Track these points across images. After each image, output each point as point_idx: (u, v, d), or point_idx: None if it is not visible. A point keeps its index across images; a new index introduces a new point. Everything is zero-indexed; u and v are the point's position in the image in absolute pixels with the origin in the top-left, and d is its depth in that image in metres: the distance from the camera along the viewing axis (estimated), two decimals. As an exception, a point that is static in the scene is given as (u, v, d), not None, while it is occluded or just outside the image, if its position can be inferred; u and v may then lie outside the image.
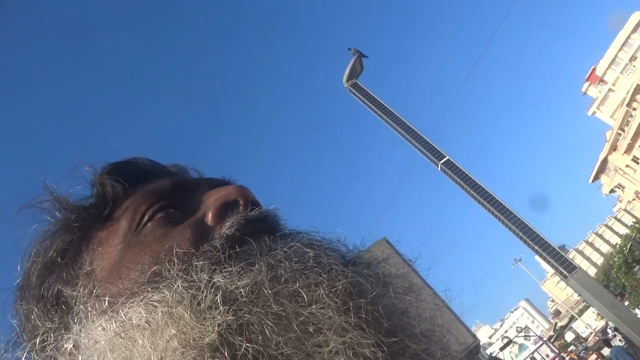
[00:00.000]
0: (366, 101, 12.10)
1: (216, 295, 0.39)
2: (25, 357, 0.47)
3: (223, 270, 0.41)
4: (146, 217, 0.49)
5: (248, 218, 0.48)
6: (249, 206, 0.50)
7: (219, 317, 0.38)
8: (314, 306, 0.39)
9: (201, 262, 0.42)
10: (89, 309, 0.44)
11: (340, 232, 0.49)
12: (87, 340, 0.41)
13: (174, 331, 0.38)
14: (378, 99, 12.06)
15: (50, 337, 0.45)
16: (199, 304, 0.39)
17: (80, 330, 0.43)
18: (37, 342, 0.45)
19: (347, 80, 12.47)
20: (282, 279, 0.40)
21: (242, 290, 0.39)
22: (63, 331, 0.45)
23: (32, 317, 0.48)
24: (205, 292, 0.39)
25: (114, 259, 0.48)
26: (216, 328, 0.37)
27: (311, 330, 0.38)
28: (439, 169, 10.98)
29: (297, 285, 0.39)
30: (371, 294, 0.41)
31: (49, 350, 0.44)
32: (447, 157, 10.91)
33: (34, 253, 0.52)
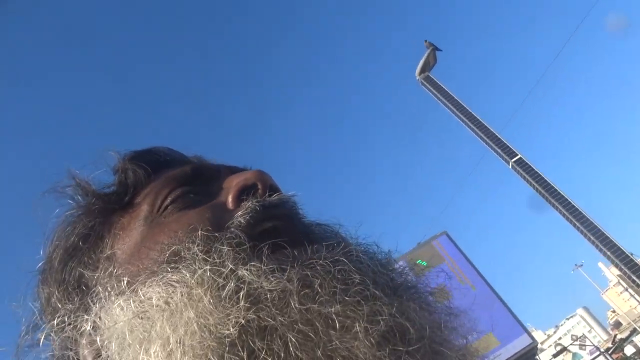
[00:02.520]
0: (438, 94, 12.07)
1: (240, 288, 0.38)
2: (44, 338, 0.48)
3: (249, 264, 0.39)
4: (168, 201, 0.50)
5: (264, 204, 0.47)
6: (267, 191, 0.50)
7: (239, 311, 0.36)
8: (345, 337, 0.36)
9: (225, 248, 0.41)
10: (108, 289, 0.44)
11: (377, 233, 0.47)
12: (106, 321, 0.42)
13: (192, 314, 0.37)
14: (450, 93, 11.97)
15: (70, 317, 0.45)
16: (219, 290, 0.38)
17: (99, 310, 0.43)
18: (56, 322, 0.46)
19: (420, 73, 12.46)
20: (317, 298, 0.37)
21: (268, 294, 0.37)
22: (82, 312, 0.45)
23: (53, 300, 0.49)
24: (227, 280, 0.38)
25: (134, 241, 0.48)
26: (239, 321, 0.36)
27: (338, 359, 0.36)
28: (510, 166, 10.82)
29: (333, 310, 0.36)
30: (413, 342, 0.37)
31: (68, 331, 0.45)
32: (519, 156, 10.72)
33: (56, 237, 0.53)
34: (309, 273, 0.38)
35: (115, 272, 0.46)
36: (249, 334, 0.36)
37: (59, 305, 0.48)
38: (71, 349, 0.46)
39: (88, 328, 0.43)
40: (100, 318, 0.42)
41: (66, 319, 0.45)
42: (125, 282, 0.43)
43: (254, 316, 0.36)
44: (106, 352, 0.41)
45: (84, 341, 0.44)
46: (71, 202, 0.54)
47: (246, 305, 0.37)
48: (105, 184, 0.55)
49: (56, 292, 0.49)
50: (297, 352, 0.35)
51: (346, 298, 0.37)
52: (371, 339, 0.36)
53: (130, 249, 0.48)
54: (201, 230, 0.43)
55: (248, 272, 0.38)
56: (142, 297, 0.40)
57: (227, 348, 0.35)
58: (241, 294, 0.37)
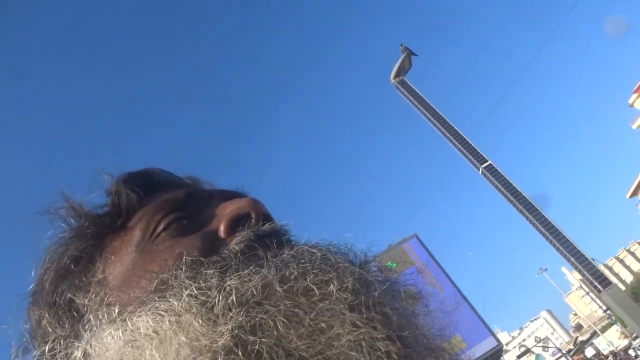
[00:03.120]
0: (412, 99, 12.20)
1: (228, 298, 0.39)
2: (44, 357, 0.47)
3: (233, 276, 0.41)
4: (160, 227, 0.50)
5: (258, 233, 0.48)
6: (260, 220, 0.50)
7: (231, 320, 0.38)
8: (324, 302, 0.39)
9: (211, 270, 0.42)
10: (100, 317, 0.45)
11: (349, 237, 0.50)
12: (96, 349, 0.42)
13: (184, 339, 0.38)
14: (424, 98, 12.13)
15: (61, 344, 0.45)
16: (210, 309, 0.39)
17: (90, 338, 0.43)
18: (47, 349, 0.46)
19: (395, 77, 12.57)
20: (292, 277, 0.41)
21: (253, 290, 0.39)
22: (73, 339, 0.45)
23: (43, 323, 0.49)
24: (216, 297, 0.40)
25: (126, 268, 0.48)
26: (229, 332, 0.37)
27: (324, 325, 0.38)
28: (480, 172, 11.04)
29: (308, 281, 0.40)
30: (379, 289, 0.42)
31: (59, 358, 0.45)
32: (489, 162, 10.95)
33: (47, 259, 0.52)
34: (278, 261, 0.42)
35: (107, 299, 0.46)
36: (243, 334, 0.37)
37: (49, 330, 0.48)
38: None
39: (79, 355, 0.43)
40: (91, 346, 0.42)
41: (57, 345, 0.45)
42: (116, 310, 0.43)
43: (245, 318, 0.38)
44: None
45: None
46: (64, 224, 0.54)
47: (237, 309, 0.38)
48: (98, 206, 0.55)
49: (47, 314, 0.49)
50: (287, 330, 0.37)
51: (314, 270, 0.41)
52: (345, 295, 0.39)
53: (121, 275, 0.48)
54: (187, 257, 0.44)
55: (232, 282, 0.40)
56: (132, 327, 0.41)
57: (222, 356, 0.37)
58: (230, 302, 0.39)
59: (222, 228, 0.50)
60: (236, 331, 0.37)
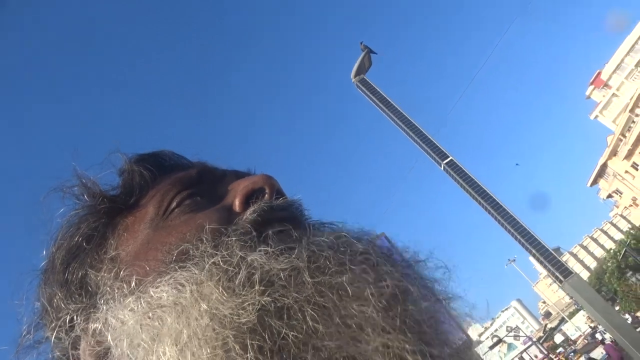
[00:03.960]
0: (373, 97, 12.15)
1: (252, 274, 0.38)
2: (46, 339, 0.49)
3: (258, 250, 0.40)
4: (174, 204, 0.50)
5: (273, 205, 0.48)
6: (274, 194, 0.50)
7: (254, 297, 0.37)
8: (357, 303, 0.37)
9: (233, 239, 0.42)
10: (116, 290, 0.44)
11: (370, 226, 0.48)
12: (114, 321, 0.42)
13: (205, 307, 0.38)
14: (385, 96, 12.10)
15: (75, 318, 0.46)
16: (230, 280, 0.38)
17: (108, 311, 0.43)
18: (59, 323, 0.46)
19: (355, 76, 12.50)
20: (327, 270, 0.39)
21: (281, 274, 0.38)
22: (88, 312, 0.45)
23: (55, 300, 0.49)
24: (238, 269, 0.39)
25: (140, 243, 0.48)
26: (255, 308, 0.37)
27: (353, 325, 0.37)
28: (442, 168, 11.08)
29: (344, 279, 0.38)
30: (417, 301, 0.40)
31: (78, 331, 0.45)
32: (450, 158, 11.01)
33: (59, 237, 0.52)
34: (315, 249, 0.40)
35: (122, 273, 0.46)
36: (268, 316, 0.37)
37: (62, 305, 0.48)
38: (74, 350, 0.46)
39: (97, 327, 0.43)
40: (108, 318, 0.42)
41: (70, 319, 0.46)
42: (133, 282, 0.43)
43: (269, 299, 0.37)
44: (117, 351, 0.41)
45: (88, 342, 0.45)
46: (76, 201, 0.54)
47: (261, 288, 0.37)
48: (110, 185, 0.55)
49: (59, 292, 0.49)
50: (315, 323, 0.36)
51: (353, 267, 0.39)
52: (382, 301, 0.38)
53: (135, 251, 0.48)
54: (209, 226, 0.44)
55: (258, 257, 0.39)
56: (152, 297, 0.40)
57: (247, 335, 0.36)
58: (254, 278, 0.38)
59: (237, 202, 0.50)
60: (262, 309, 0.37)
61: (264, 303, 0.37)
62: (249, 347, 0.36)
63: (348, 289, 0.38)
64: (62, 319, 0.46)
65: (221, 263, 0.40)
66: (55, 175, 0.56)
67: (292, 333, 0.36)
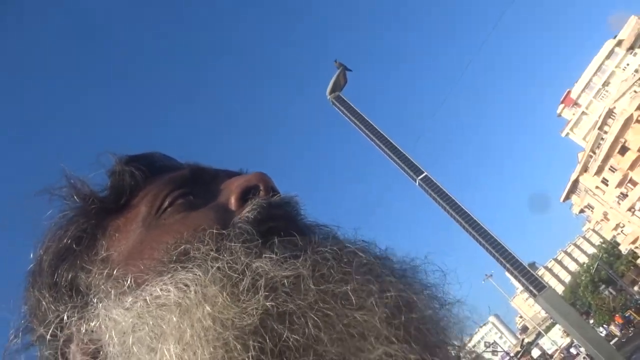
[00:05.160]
0: (348, 114, 12.21)
1: (257, 280, 0.38)
2: (34, 342, 0.47)
3: (263, 256, 0.40)
4: (166, 203, 0.49)
5: (270, 202, 0.48)
6: (270, 192, 0.50)
7: (256, 302, 0.37)
8: (361, 312, 0.38)
9: (237, 245, 0.41)
10: (109, 290, 0.43)
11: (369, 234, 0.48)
12: (108, 321, 0.41)
13: (209, 309, 0.37)
14: (360, 113, 12.18)
15: (70, 316, 0.44)
16: (235, 286, 0.38)
17: (101, 311, 0.42)
18: (46, 326, 0.45)
19: (331, 93, 12.56)
20: (331, 279, 0.39)
21: (285, 281, 0.38)
22: (78, 313, 0.44)
23: (44, 303, 0.47)
24: (243, 275, 0.39)
25: (133, 242, 0.47)
26: (257, 312, 0.37)
27: (355, 334, 0.37)
28: (417, 184, 11.14)
29: (348, 288, 0.38)
30: (420, 311, 0.41)
31: (69, 330, 0.44)
32: (425, 173, 11.09)
33: (47, 239, 0.51)
34: (319, 258, 0.41)
35: (114, 273, 0.45)
36: (270, 319, 0.37)
37: (52, 308, 0.47)
38: (65, 348, 0.45)
39: (89, 325, 0.42)
40: (102, 316, 0.42)
41: (60, 322, 0.45)
42: (128, 282, 0.42)
43: (273, 303, 0.37)
44: (112, 349, 0.40)
45: (80, 340, 0.44)
46: (65, 203, 0.52)
47: (264, 294, 0.38)
48: (100, 185, 0.53)
49: (47, 295, 0.48)
50: (317, 330, 0.36)
51: (357, 277, 0.40)
52: (385, 311, 0.38)
53: (128, 250, 0.47)
54: (209, 229, 0.43)
55: (263, 264, 0.39)
56: (151, 296, 0.40)
57: (249, 336, 0.36)
58: (258, 284, 0.38)
59: (232, 200, 0.49)
60: (264, 315, 0.37)
61: (267, 308, 0.37)
62: (250, 347, 0.36)
63: (352, 297, 0.38)
64: (51, 321, 0.45)
65: (226, 268, 0.39)
66: (43, 176, 0.55)
67: (293, 336, 0.36)
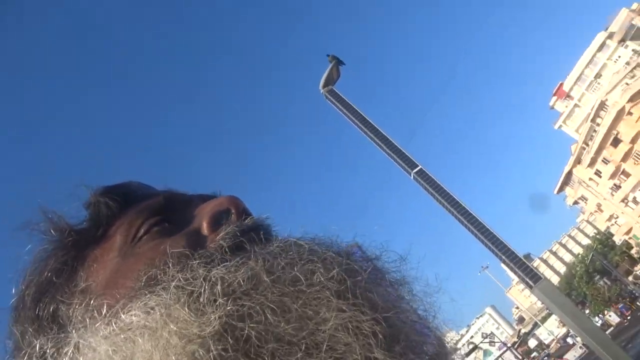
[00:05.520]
0: (342, 108, 12.16)
1: (214, 287, 0.40)
2: None
3: (219, 266, 0.42)
4: (142, 231, 0.50)
5: (243, 228, 0.48)
6: (242, 215, 0.51)
7: (219, 309, 0.39)
8: (311, 290, 0.40)
9: (197, 262, 0.43)
10: (87, 320, 0.44)
11: (334, 230, 0.50)
12: (87, 350, 0.42)
13: (173, 327, 0.39)
14: (354, 106, 12.12)
15: (50, 347, 0.45)
16: (197, 299, 0.40)
17: (80, 340, 0.43)
18: (37, 349, 0.45)
19: (324, 87, 12.50)
20: (279, 267, 0.42)
21: (240, 280, 0.40)
22: (60, 341, 0.45)
23: (27, 337, 0.48)
24: (203, 286, 0.40)
25: (110, 272, 0.48)
26: (217, 319, 0.38)
27: (310, 312, 0.39)
28: (412, 177, 11.12)
29: (295, 270, 0.41)
30: (365, 277, 0.43)
31: (49, 357, 0.44)
32: (419, 167, 11.05)
33: (28, 273, 0.52)
34: (267, 254, 0.43)
35: (92, 302, 0.46)
36: (231, 321, 0.38)
37: (34, 341, 0.47)
38: None
39: (69, 354, 0.43)
40: (80, 345, 0.43)
41: (43, 349, 0.46)
42: (104, 311, 0.44)
43: (232, 307, 0.39)
44: None
45: None
46: (43, 237, 0.53)
47: (224, 299, 0.39)
48: (77, 218, 0.54)
49: (30, 328, 0.48)
50: (275, 317, 0.38)
51: (301, 262, 0.43)
52: (332, 283, 0.41)
53: (105, 280, 0.48)
54: (172, 251, 0.45)
55: (218, 272, 0.41)
56: (123, 322, 0.41)
57: (212, 342, 0.38)
58: (216, 291, 0.40)
59: (204, 225, 0.50)
60: (225, 319, 0.38)
61: (228, 312, 0.39)
62: (213, 351, 0.37)
63: (301, 278, 0.41)
64: (34, 354, 0.46)
65: (185, 285, 0.41)
66: (20, 211, 0.56)
67: (254, 327, 0.38)
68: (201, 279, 0.41)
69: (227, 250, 0.45)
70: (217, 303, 0.39)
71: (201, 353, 0.37)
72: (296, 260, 0.43)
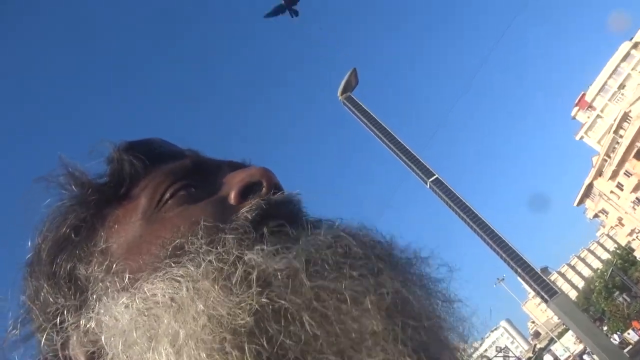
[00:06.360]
0: (360, 115, 12.17)
1: (249, 273, 0.37)
2: (33, 334, 0.46)
3: (255, 248, 0.39)
4: (167, 195, 0.48)
5: (271, 201, 0.46)
6: (272, 189, 0.48)
7: (252, 297, 0.36)
8: (357, 312, 0.36)
9: (229, 237, 0.40)
10: (108, 285, 0.42)
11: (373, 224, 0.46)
12: (108, 319, 0.40)
13: (201, 307, 0.36)
14: (371, 114, 12.13)
15: (64, 314, 0.43)
16: (227, 279, 0.37)
17: (100, 308, 0.41)
18: (47, 318, 0.44)
19: (342, 93, 12.54)
20: (326, 274, 0.37)
21: (278, 274, 0.37)
22: (79, 309, 0.43)
23: (42, 293, 0.46)
24: (234, 267, 0.38)
25: (132, 236, 0.46)
26: (253, 307, 0.35)
27: (353, 335, 0.36)
28: (428, 186, 11.05)
29: (343, 285, 0.37)
30: (418, 314, 0.39)
31: (68, 330, 0.43)
32: (436, 176, 10.99)
33: (45, 228, 0.50)
34: (312, 249, 0.39)
35: (114, 267, 0.44)
36: (265, 320, 0.36)
37: (50, 299, 0.46)
38: (64, 350, 0.44)
39: (89, 325, 0.41)
40: (101, 315, 0.41)
41: (59, 316, 0.44)
42: (126, 278, 0.42)
43: (267, 300, 0.36)
44: (109, 351, 0.40)
45: (79, 341, 0.43)
46: (63, 191, 0.51)
47: (257, 289, 0.36)
48: (99, 174, 0.51)
49: (45, 285, 0.47)
50: (313, 330, 0.35)
51: (353, 272, 0.38)
52: (382, 312, 0.37)
53: (127, 244, 0.46)
54: (203, 222, 0.42)
55: (255, 256, 0.38)
56: (147, 294, 0.39)
57: (245, 338, 0.35)
58: (251, 278, 0.37)
59: (232, 195, 0.47)
60: (259, 311, 0.36)
61: (261, 304, 0.36)
62: (247, 351, 0.35)
63: (347, 296, 0.37)
64: (50, 313, 0.44)
65: (216, 261, 0.38)
66: (40, 163, 0.54)
67: (289, 341, 0.35)
68: (234, 257, 0.38)
69: (255, 225, 0.42)
70: (252, 290, 0.36)
71: (234, 354, 0.34)
72: (346, 270, 0.38)
